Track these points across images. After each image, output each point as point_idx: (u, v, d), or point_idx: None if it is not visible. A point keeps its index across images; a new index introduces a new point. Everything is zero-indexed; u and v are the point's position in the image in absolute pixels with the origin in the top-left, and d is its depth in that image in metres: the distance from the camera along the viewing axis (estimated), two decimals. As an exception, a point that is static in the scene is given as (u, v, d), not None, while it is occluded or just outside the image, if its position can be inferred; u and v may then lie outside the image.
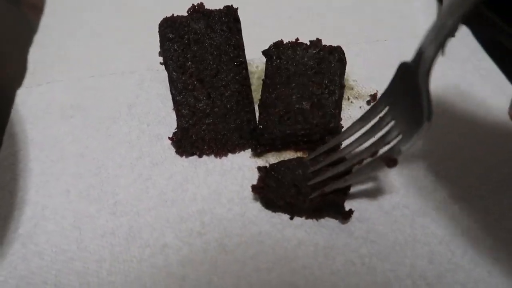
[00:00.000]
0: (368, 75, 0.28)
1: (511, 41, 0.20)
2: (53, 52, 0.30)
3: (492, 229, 0.20)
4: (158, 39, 0.25)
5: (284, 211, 0.21)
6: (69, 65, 0.29)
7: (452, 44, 0.29)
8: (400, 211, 0.21)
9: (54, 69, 0.29)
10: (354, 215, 0.21)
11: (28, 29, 0.32)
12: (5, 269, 0.19)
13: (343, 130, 0.23)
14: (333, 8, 0.34)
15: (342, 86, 0.24)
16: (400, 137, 0.18)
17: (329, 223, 0.21)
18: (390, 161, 0.18)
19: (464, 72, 0.29)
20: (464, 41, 0.30)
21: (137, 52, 0.29)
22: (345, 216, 0.20)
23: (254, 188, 0.21)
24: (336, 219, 0.21)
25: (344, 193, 0.21)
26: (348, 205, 0.21)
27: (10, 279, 0.18)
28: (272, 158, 0.23)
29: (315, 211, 0.21)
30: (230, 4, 0.24)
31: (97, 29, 0.32)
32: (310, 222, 0.21)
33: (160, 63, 0.25)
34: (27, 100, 0.27)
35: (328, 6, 0.34)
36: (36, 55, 0.30)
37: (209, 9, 0.24)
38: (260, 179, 0.21)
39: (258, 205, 0.21)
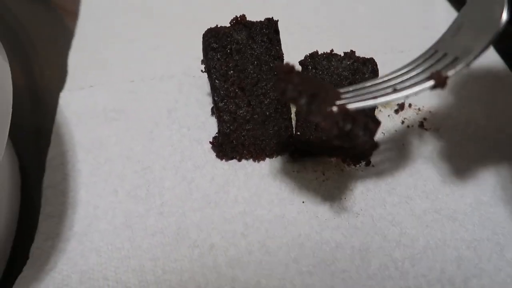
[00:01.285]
0: (395, 84, 0.29)
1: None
2: (92, 56, 0.31)
3: (517, 235, 0.22)
4: (192, 45, 0.27)
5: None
6: (108, 69, 0.30)
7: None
8: (431, 216, 0.23)
9: (93, 73, 0.30)
10: (387, 219, 0.22)
11: (66, 33, 0.33)
12: (66, 264, 0.20)
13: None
14: (360, 18, 0.35)
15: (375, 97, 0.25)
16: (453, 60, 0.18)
17: (364, 225, 0.22)
18: (441, 78, 0.17)
19: (485, 80, 0.30)
20: (486, 55, 0.32)
21: (173, 57, 0.31)
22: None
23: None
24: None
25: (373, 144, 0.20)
26: (380, 209, 0.23)
27: (73, 274, 0.20)
28: (307, 163, 0.25)
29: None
30: (271, 17, 0.25)
31: (132, 34, 0.33)
32: (346, 224, 0.22)
33: (202, 71, 0.26)
34: (70, 103, 0.28)
35: (354, 17, 0.35)
36: (75, 59, 0.31)
37: (250, 21, 0.25)
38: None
39: (296, 207, 0.23)
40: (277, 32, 0.25)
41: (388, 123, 0.27)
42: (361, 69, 0.25)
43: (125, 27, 0.33)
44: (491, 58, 0.31)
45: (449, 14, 0.35)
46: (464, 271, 0.21)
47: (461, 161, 0.25)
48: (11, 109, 0.18)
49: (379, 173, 0.24)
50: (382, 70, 0.30)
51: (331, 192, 0.23)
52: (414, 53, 0.32)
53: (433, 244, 0.21)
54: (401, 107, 0.28)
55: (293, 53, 0.27)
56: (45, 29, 0.35)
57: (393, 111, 0.28)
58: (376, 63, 0.26)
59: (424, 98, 0.28)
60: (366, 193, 0.23)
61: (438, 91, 0.25)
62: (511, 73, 0.30)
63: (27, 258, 0.20)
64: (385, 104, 0.28)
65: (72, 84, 0.29)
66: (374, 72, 0.25)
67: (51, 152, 0.25)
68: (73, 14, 0.35)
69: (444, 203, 0.23)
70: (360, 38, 0.33)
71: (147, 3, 0.35)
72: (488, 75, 0.30)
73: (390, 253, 0.21)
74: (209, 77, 0.25)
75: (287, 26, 0.27)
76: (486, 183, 0.24)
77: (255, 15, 0.26)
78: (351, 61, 0.25)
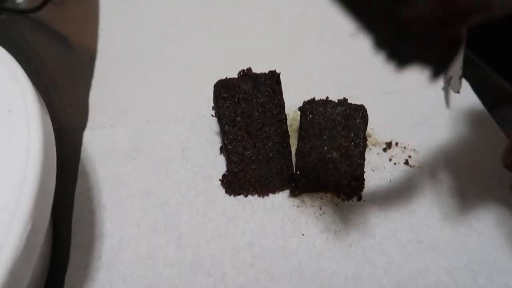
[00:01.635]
0: (383, 124, 0.33)
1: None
2: (110, 96, 0.34)
3: (490, 260, 0.25)
4: (202, 89, 0.30)
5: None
6: (126, 110, 0.33)
7: (455, 97, 0.34)
8: (415, 246, 0.26)
9: (113, 112, 0.33)
10: (376, 249, 0.26)
11: (86, 73, 0.37)
12: (97, 292, 0.23)
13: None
14: (352, 65, 0.38)
15: (365, 139, 0.29)
16: None
17: (356, 255, 0.25)
18: None
19: (465, 121, 0.33)
20: (464, 94, 0.35)
21: (184, 99, 0.34)
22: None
23: None
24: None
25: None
26: (370, 240, 0.26)
27: (104, 300, 0.23)
28: (306, 198, 0.28)
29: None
30: (274, 69, 0.29)
31: (147, 76, 0.36)
32: (340, 254, 0.25)
33: (212, 115, 0.29)
34: (93, 142, 0.31)
35: (347, 64, 0.38)
36: (95, 99, 0.34)
37: (256, 73, 0.28)
38: None
39: (297, 239, 0.26)
40: (279, 82, 0.29)
41: (377, 160, 0.31)
42: (352, 114, 0.29)
43: (141, 69, 0.37)
44: (470, 99, 0.35)
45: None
46: (442, 295, 0.24)
47: (442, 196, 0.28)
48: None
49: (369, 208, 0.28)
50: (373, 110, 0.34)
51: (327, 225, 0.27)
52: (400, 93, 0.36)
53: (416, 271, 0.25)
54: (388, 145, 0.31)
55: (293, 99, 0.30)
56: (66, 69, 0.38)
57: (381, 149, 0.31)
58: (365, 109, 0.29)
59: (409, 138, 0.32)
60: (358, 225, 0.27)
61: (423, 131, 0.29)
62: (488, 114, 0.34)
63: (62, 286, 0.23)
64: (375, 143, 0.32)
65: (93, 123, 0.32)
66: (364, 118, 0.29)
67: (78, 188, 0.28)
68: (91, 53, 0.38)
69: (426, 234, 0.26)
70: (352, 82, 0.36)
71: (161, 48, 0.39)
72: (466, 116, 0.34)
73: (378, 280, 0.24)
74: (219, 122, 0.28)
75: (287, 73, 0.30)
76: (463, 215, 0.27)
77: (259, 63, 0.30)
78: (344, 107, 0.29)
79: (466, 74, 0.36)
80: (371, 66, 0.38)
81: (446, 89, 0.36)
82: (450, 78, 0.35)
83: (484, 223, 0.27)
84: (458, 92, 0.33)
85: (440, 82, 0.37)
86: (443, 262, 0.25)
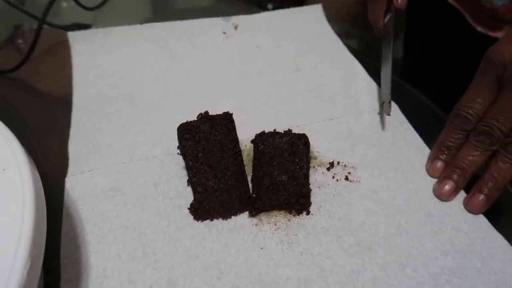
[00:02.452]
0: (327, 147, 0.39)
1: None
2: (88, 143, 0.39)
3: (415, 253, 0.30)
4: (169, 129, 0.35)
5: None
6: (103, 154, 0.38)
7: (387, 118, 0.40)
8: (354, 248, 0.31)
9: (91, 158, 0.37)
10: (323, 254, 0.30)
11: (64, 124, 0.41)
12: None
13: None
14: (300, 95, 0.44)
15: (308, 162, 0.34)
16: None
17: (307, 261, 0.30)
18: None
19: (395, 138, 0.40)
20: (394, 115, 0.42)
21: (154, 140, 0.39)
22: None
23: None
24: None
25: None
26: (318, 247, 0.31)
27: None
28: (263, 217, 0.33)
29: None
30: (227, 111, 0.34)
31: (120, 121, 0.41)
32: (294, 261, 0.30)
33: (178, 154, 0.34)
34: (75, 186, 0.35)
35: (295, 94, 0.44)
36: (74, 146, 0.38)
37: (212, 115, 0.34)
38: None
39: (256, 253, 0.30)
40: (232, 121, 0.34)
41: (322, 178, 0.36)
42: (296, 142, 0.34)
43: (114, 116, 0.41)
44: (399, 119, 0.41)
45: (369, 86, 0.46)
46: (377, 286, 0.29)
47: (375, 205, 0.34)
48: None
49: (317, 220, 0.33)
50: (318, 135, 0.40)
51: (281, 238, 0.31)
52: (340, 119, 0.42)
53: (356, 269, 0.30)
54: (331, 165, 0.37)
55: (247, 133, 0.36)
56: (45, 121, 0.43)
57: (326, 169, 0.37)
58: (307, 137, 0.35)
59: (349, 157, 0.38)
60: (307, 236, 0.32)
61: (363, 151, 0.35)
62: (415, 132, 0.40)
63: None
64: (320, 164, 0.37)
65: (74, 169, 0.36)
66: (306, 144, 0.34)
67: (64, 229, 0.32)
68: (68, 105, 0.43)
69: (364, 238, 0.32)
70: (299, 112, 0.42)
71: (131, 95, 0.44)
72: (396, 134, 0.40)
73: (325, 279, 0.29)
74: (184, 159, 0.33)
75: (242, 110, 0.36)
76: (394, 219, 0.33)
77: (217, 102, 0.35)
78: (289, 137, 0.35)
79: (396, 98, 0.42)
80: (318, 95, 0.44)
81: (381, 113, 0.42)
82: (383, 103, 0.42)
83: (411, 223, 0.33)
84: (389, 114, 0.40)
85: (376, 107, 0.43)
86: (378, 260, 0.30)
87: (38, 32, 0.45)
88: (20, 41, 0.56)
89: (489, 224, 0.33)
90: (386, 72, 0.42)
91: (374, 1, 0.45)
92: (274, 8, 1.63)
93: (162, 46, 0.49)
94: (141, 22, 0.52)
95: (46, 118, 0.43)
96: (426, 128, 0.41)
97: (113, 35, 0.49)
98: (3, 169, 0.25)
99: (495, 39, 0.36)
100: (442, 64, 0.66)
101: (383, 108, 0.41)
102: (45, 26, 0.48)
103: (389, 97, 0.41)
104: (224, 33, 0.52)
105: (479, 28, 0.55)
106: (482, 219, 0.33)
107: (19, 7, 0.49)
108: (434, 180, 0.36)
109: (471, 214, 0.33)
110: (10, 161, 0.25)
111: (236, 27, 0.52)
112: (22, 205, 0.23)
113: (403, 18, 0.76)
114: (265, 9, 1.57)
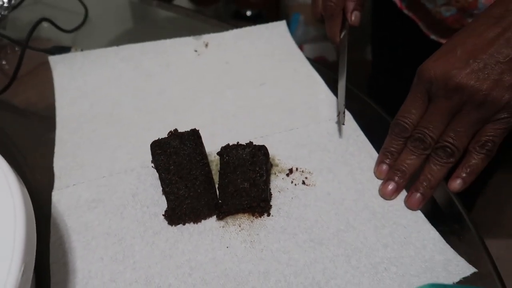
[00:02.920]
0: (287, 155, 0.43)
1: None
2: (71, 160, 0.43)
3: (360, 246, 0.35)
4: (144, 144, 0.39)
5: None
6: (85, 169, 0.42)
7: (342, 127, 0.45)
8: (308, 244, 0.36)
9: (74, 173, 0.41)
10: (281, 250, 0.35)
11: (48, 142, 0.45)
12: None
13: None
14: (265, 107, 0.49)
15: (268, 170, 0.39)
16: None
17: (266, 256, 0.35)
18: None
19: (348, 145, 0.45)
20: (348, 124, 0.47)
21: (131, 154, 0.43)
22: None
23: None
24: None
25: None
26: (276, 244, 0.36)
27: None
28: (229, 220, 0.37)
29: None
30: (194, 128, 0.38)
31: (99, 138, 0.45)
32: (255, 257, 0.35)
33: (152, 167, 0.38)
34: (61, 199, 0.39)
35: (260, 106, 0.49)
36: (58, 163, 0.42)
37: (181, 132, 0.38)
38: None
39: (223, 251, 0.35)
40: (199, 137, 0.38)
41: (282, 183, 0.41)
42: (257, 153, 0.39)
43: (93, 133, 0.45)
44: (352, 127, 0.46)
45: (327, 97, 0.50)
46: (326, 276, 0.34)
47: (328, 205, 0.39)
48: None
49: (276, 220, 0.37)
50: (279, 145, 0.44)
51: (245, 237, 0.36)
52: (299, 129, 0.47)
53: (308, 262, 0.34)
54: (290, 171, 0.42)
55: (215, 145, 0.40)
56: (31, 141, 0.46)
57: (285, 174, 0.42)
58: (266, 148, 0.39)
59: (306, 163, 0.42)
60: (267, 235, 0.36)
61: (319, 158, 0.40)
62: (366, 139, 0.45)
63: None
64: (280, 170, 0.42)
65: (59, 184, 0.40)
66: (265, 154, 0.39)
67: (52, 238, 0.36)
68: (52, 124, 0.47)
69: (316, 234, 0.36)
70: (264, 122, 0.47)
71: (109, 114, 0.48)
72: (349, 141, 0.45)
73: (282, 272, 0.34)
74: (157, 171, 0.38)
75: (213, 120, 0.40)
76: (343, 217, 0.38)
77: (187, 118, 0.40)
78: (250, 148, 0.39)
79: (350, 106, 0.47)
80: (277, 110, 0.49)
81: (338, 122, 0.47)
82: (339, 113, 0.47)
83: (358, 220, 0.38)
84: (343, 124, 0.45)
85: (333, 117, 0.48)
86: (328, 253, 0.35)
87: (21, 56, 0.49)
88: (3, 62, 0.59)
89: (425, 219, 0.38)
90: (342, 83, 0.47)
91: (331, 19, 0.50)
92: (252, 14, 1.67)
93: (137, 65, 0.53)
94: (117, 41, 0.56)
95: (30, 137, 0.47)
96: (376, 133, 0.46)
97: (91, 57, 0.53)
98: (-4, 189, 0.29)
99: None
100: (399, 70, 0.72)
101: (339, 117, 0.46)
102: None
103: (343, 108, 0.45)
104: (196, 51, 0.56)
105: (432, 36, 0.60)
106: (419, 215, 0.38)
107: (2, 34, 0.52)
108: (380, 182, 0.41)
109: (410, 211, 0.38)
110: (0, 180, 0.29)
111: (206, 45, 0.57)
112: (14, 218, 0.27)
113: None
114: (243, 17, 1.60)
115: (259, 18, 1.43)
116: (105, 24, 0.65)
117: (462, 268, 0.34)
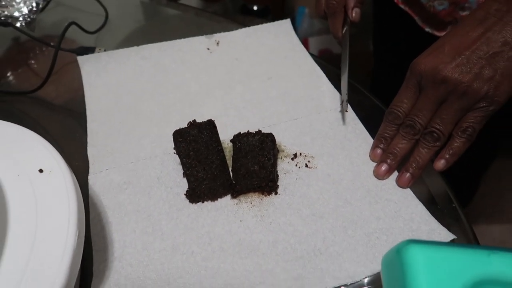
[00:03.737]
0: (292, 141, 0.49)
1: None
2: (102, 148, 0.48)
3: (356, 219, 0.41)
4: (167, 134, 0.45)
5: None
6: (115, 156, 0.47)
7: (341, 116, 0.50)
8: (310, 218, 0.41)
9: (106, 160, 0.47)
10: (287, 222, 0.41)
11: (81, 133, 0.51)
12: (117, 271, 0.37)
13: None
14: (272, 98, 0.54)
15: (275, 154, 0.44)
16: None
17: (275, 228, 0.40)
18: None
19: (346, 132, 0.50)
20: (347, 114, 0.52)
21: (155, 143, 0.49)
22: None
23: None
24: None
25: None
26: (283, 218, 0.41)
27: (123, 277, 0.37)
28: (242, 198, 0.43)
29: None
30: (210, 118, 0.44)
31: (127, 128, 0.51)
32: (265, 229, 0.40)
33: (174, 153, 0.44)
34: (96, 182, 0.45)
35: (268, 98, 0.54)
36: (91, 151, 0.48)
37: (199, 122, 0.44)
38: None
39: (237, 224, 0.41)
40: (214, 126, 0.44)
41: (288, 166, 0.46)
42: (265, 140, 0.44)
43: (120, 125, 0.51)
44: (351, 116, 0.51)
45: (328, 90, 0.55)
46: (326, 244, 0.39)
47: (328, 185, 0.44)
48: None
49: (283, 198, 0.43)
50: (284, 133, 0.50)
51: (255, 213, 0.42)
52: (303, 118, 0.52)
53: (311, 232, 0.40)
54: (295, 156, 0.47)
55: (228, 133, 0.46)
56: (65, 133, 0.52)
57: (290, 159, 0.47)
58: (273, 135, 0.45)
59: (309, 148, 0.48)
60: (275, 210, 0.42)
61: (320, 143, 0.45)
62: (363, 126, 0.50)
63: (91, 276, 0.37)
64: (286, 155, 0.47)
65: (94, 169, 0.46)
66: (273, 141, 0.44)
67: (91, 214, 0.42)
68: (84, 118, 0.52)
69: (317, 209, 0.42)
70: (271, 113, 0.52)
71: (135, 106, 0.53)
72: (348, 129, 0.50)
73: (288, 240, 0.39)
74: (179, 156, 0.43)
75: (225, 111, 0.46)
76: (341, 195, 0.43)
77: (205, 109, 0.45)
78: (259, 136, 0.45)
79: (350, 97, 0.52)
80: (283, 102, 0.54)
81: (341, 110, 0.52)
82: (342, 102, 0.52)
83: (354, 197, 0.43)
84: (346, 111, 0.50)
85: (333, 108, 0.53)
86: (328, 225, 0.41)
87: (54, 57, 0.55)
88: (32, 61, 0.65)
89: (413, 195, 0.43)
90: (344, 75, 0.52)
91: (333, 16, 0.54)
92: (258, 9, 1.71)
93: (156, 63, 0.59)
94: (135, 41, 0.61)
95: (65, 129, 0.53)
96: (373, 122, 0.51)
97: (114, 56, 0.59)
98: (50, 171, 0.35)
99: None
100: (401, 64, 0.76)
101: (342, 105, 0.51)
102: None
103: (346, 97, 0.51)
104: (208, 49, 0.61)
105: (427, 29, 0.65)
106: (408, 192, 0.43)
107: (36, 37, 0.58)
108: (374, 164, 0.46)
109: (400, 188, 0.44)
110: (53, 164, 0.35)
111: (218, 43, 0.62)
112: (67, 195, 0.33)
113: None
114: (250, 12, 1.64)
115: (266, 13, 1.47)
116: (122, 24, 0.70)
117: (444, 236, 0.39)
